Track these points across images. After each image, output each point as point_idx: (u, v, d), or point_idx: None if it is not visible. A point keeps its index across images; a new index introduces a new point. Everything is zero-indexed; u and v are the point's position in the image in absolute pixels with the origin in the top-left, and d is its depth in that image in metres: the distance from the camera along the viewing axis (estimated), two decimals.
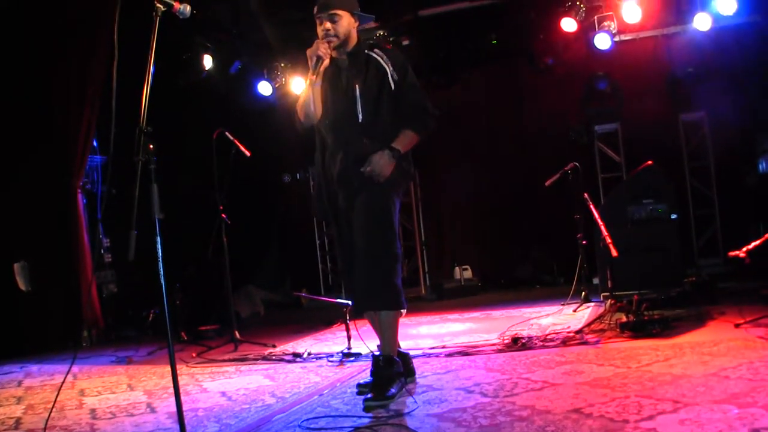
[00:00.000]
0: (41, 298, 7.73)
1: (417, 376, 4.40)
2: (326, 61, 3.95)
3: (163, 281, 3.10)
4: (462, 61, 9.75)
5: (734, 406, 3.03)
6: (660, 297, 6.06)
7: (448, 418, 3.39)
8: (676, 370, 3.85)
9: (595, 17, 8.51)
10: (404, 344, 5.37)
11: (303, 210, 10.85)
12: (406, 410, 3.64)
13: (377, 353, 4.16)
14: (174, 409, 3.13)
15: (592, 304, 6.97)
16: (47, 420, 4.04)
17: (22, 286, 7.65)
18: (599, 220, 6.18)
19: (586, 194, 6.77)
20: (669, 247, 6.60)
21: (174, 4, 3.30)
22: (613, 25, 8.46)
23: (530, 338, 5.19)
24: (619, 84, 9.42)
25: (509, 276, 10.14)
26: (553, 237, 9.61)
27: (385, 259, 3.96)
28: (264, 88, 9.66)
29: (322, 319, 7.59)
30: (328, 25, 3.98)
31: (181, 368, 5.61)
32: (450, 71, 9.85)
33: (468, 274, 9.75)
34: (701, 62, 8.92)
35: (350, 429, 3.43)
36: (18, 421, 4.35)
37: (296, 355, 5.62)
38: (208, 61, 9.15)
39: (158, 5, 3.25)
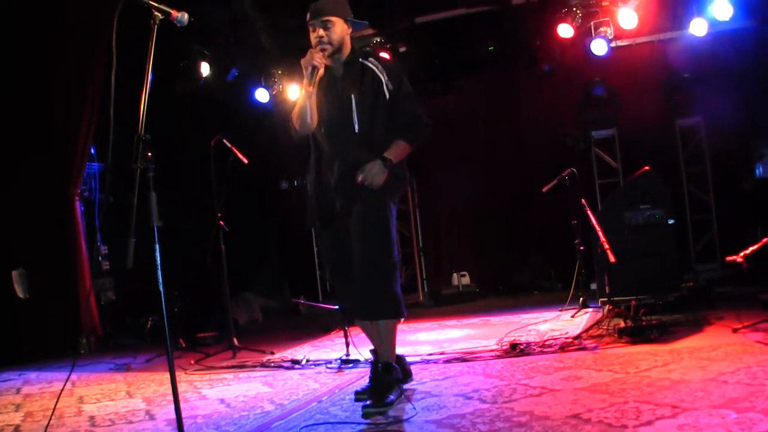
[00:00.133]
0: (39, 306, 7.70)
1: (416, 382, 4.41)
2: (321, 71, 3.94)
3: (162, 289, 3.10)
4: (459, 67, 9.77)
5: (732, 411, 3.04)
6: (658, 302, 6.07)
7: (447, 424, 3.39)
8: (674, 375, 3.86)
9: (592, 23, 8.53)
10: (402, 350, 5.36)
11: (301, 217, 10.73)
12: (405, 417, 3.64)
13: (372, 359, 4.17)
14: (173, 416, 3.13)
15: (590, 309, 6.98)
16: (46, 427, 4.03)
17: (20, 293, 7.63)
18: (597, 226, 6.19)
19: (583, 200, 6.79)
20: (666, 252, 6.60)
21: (172, 12, 3.31)
22: (609, 31, 8.48)
23: (528, 344, 5.20)
24: (616, 90, 9.44)
25: (507, 282, 10.14)
26: (550, 243, 9.62)
27: (384, 267, 3.96)
28: (261, 95, 9.67)
29: (320, 326, 7.59)
30: (321, 32, 3.97)
31: (180, 375, 5.60)
32: (447, 78, 9.87)
33: (466, 280, 9.76)
34: (698, 67, 8.94)
35: None
36: (17, 429, 4.34)
37: (295, 361, 5.62)
38: (205, 69, 9.16)
39: (156, 14, 3.27)
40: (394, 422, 3.57)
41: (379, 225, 4.00)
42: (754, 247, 5.17)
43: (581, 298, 7.17)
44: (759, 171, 8.56)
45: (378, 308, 4.00)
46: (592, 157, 9.90)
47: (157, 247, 3.09)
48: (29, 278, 7.69)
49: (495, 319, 7.26)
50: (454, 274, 9.81)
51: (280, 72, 9.60)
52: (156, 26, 3.26)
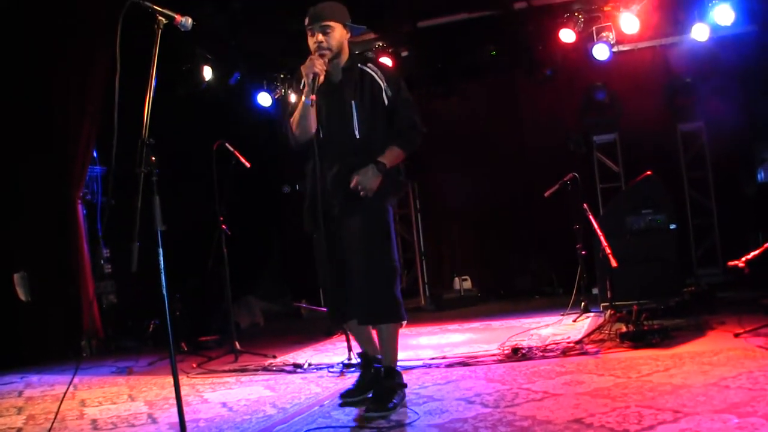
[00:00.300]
0: (41, 309, 7.70)
1: (418, 386, 4.41)
2: (322, 78, 3.91)
3: (165, 293, 3.11)
4: (461, 72, 9.77)
5: (734, 416, 3.04)
6: (659, 307, 6.07)
7: (449, 428, 3.40)
8: (676, 379, 3.86)
9: (594, 28, 8.54)
10: (404, 354, 5.40)
11: (302, 221, 10.84)
12: (408, 421, 3.65)
13: (358, 361, 4.21)
14: (175, 419, 3.15)
15: (592, 314, 6.98)
16: (49, 430, 4.04)
17: (21, 296, 7.64)
18: (598, 231, 6.20)
19: (585, 204, 6.79)
20: (668, 257, 6.61)
21: (176, 16, 3.32)
22: (611, 36, 8.49)
23: (530, 349, 5.20)
24: (618, 94, 9.44)
25: (509, 286, 10.14)
26: (552, 247, 9.62)
27: (385, 272, 3.97)
28: (263, 99, 9.69)
29: (322, 330, 7.58)
30: (321, 37, 3.96)
31: (182, 379, 5.60)
32: (449, 82, 9.88)
33: (467, 284, 9.76)
34: (699, 72, 8.95)
35: None
36: None
37: (297, 365, 5.62)
38: (207, 72, 9.17)
39: (160, 18, 3.28)
40: (397, 426, 3.57)
41: (378, 230, 4.01)
42: (756, 251, 5.17)
43: (583, 303, 7.16)
44: (761, 176, 8.57)
45: (379, 313, 4.01)
46: (593, 162, 9.91)
47: (161, 251, 3.10)
48: (31, 281, 7.69)
49: (497, 324, 7.26)
50: (456, 279, 9.81)
51: (282, 76, 9.61)
52: (160, 31, 3.27)
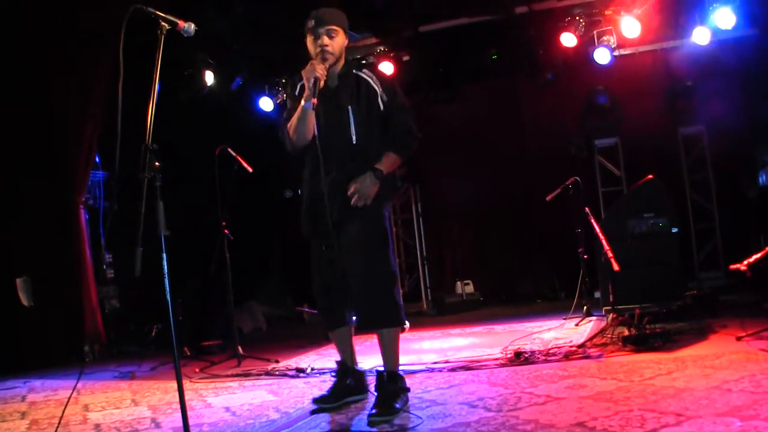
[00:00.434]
0: (43, 313, 7.72)
1: (421, 390, 4.42)
2: (322, 82, 3.90)
3: (168, 297, 3.11)
4: (462, 76, 9.79)
5: (737, 419, 3.04)
6: (661, 310, 6.07)
7: None
8: (678, 383, 3.86)
9: (595, 32, 8.57)
10: (407, 359, 5.40)
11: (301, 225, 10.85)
12: (410, 425, 3.65)
13: (336, 368, 4.35)
14: (178, 424, 3.15)
15: (594, 318, 6.97)
16: None
17: (24, 301, 7.65)
18: (600, 234, 6.20)
19: (587, 208, 6.80)
20: (670, 260, 6.61)
21: (179, 22, 3.33)
22: (612, 40, 8.52)
23: (533, 352, 5.20)
24: (619, 98, 9.46)
25: (511, 290, 10.15)
26: (554, 251, 9.63)
27: (383, 276, 3.99)
28: (265, 103, 9.72)
29: (324, 334, 7.56)
30: (327, 40, 3.96)
31: (185, 383, 5.58)
32: (450, 86, 9.89)
33: (469, 288, 9.76)
34: (700, 76, 8.97)
35: None
36: None
37: (299, 370, 5.62)
38: (209, 77, 9.18)
39: (163, 24, 3.29)
40: (400, 430, 3.57)
41: (377, 235, 4.03)
42: (758, 255, 5.18)
43: (585, 307, 7.16)
44: (762, 179, 8.57)
45: (379, 318, 4.02)
46: (595, 165, 9.92)
47: (165, 256, 3.11)
48: (33, 286, 7.70)
49: (499, 328, 7.26)
50: (458, 283, 9.81)
51: (284, 81, 9.62)
52: (163, 36, 3.28)
